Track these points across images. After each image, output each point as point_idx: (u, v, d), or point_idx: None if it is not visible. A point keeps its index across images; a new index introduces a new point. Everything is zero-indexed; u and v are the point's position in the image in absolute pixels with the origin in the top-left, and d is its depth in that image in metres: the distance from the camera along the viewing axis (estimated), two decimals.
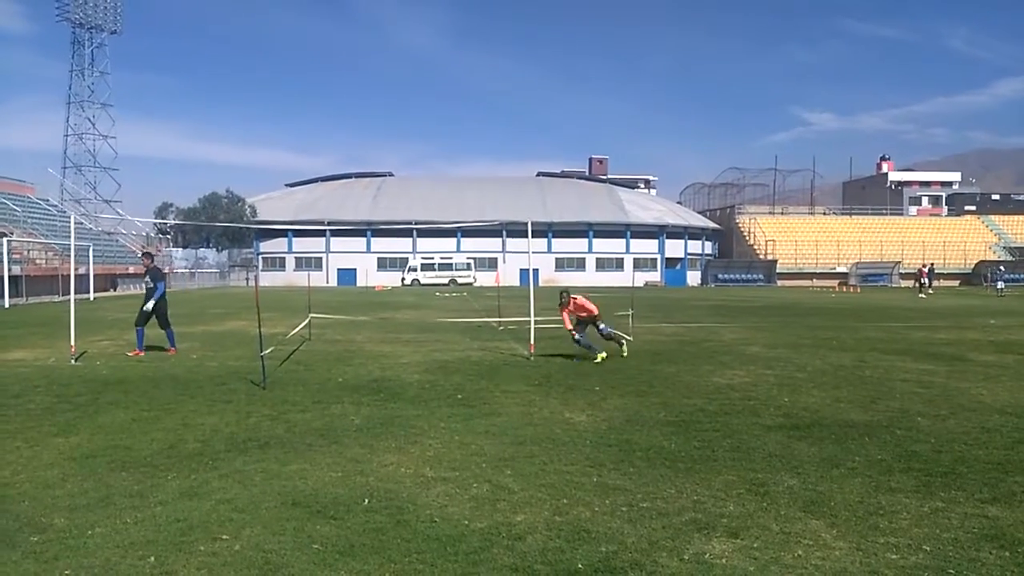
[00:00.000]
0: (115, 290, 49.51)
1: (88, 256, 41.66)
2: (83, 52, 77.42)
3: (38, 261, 42.10)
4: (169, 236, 70.46)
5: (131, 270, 53.70)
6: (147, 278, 14.27)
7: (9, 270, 33.52)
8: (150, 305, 13.73)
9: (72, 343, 13.13)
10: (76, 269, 15.45)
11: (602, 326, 13.60)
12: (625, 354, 13.22)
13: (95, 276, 41.59)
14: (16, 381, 10.62)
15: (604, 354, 12.82)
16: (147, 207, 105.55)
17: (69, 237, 16.07)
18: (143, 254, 15.33)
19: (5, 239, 35.10)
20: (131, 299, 39.80)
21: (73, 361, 12.59)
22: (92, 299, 37.62)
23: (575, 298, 13.38)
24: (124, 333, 17.95)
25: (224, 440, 7.11)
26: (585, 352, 12.97)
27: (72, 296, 14.28)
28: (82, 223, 54.09)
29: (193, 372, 11.58)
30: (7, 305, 31.26)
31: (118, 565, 4.18)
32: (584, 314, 13.33)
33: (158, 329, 14.10)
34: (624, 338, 13.99)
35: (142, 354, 13.49)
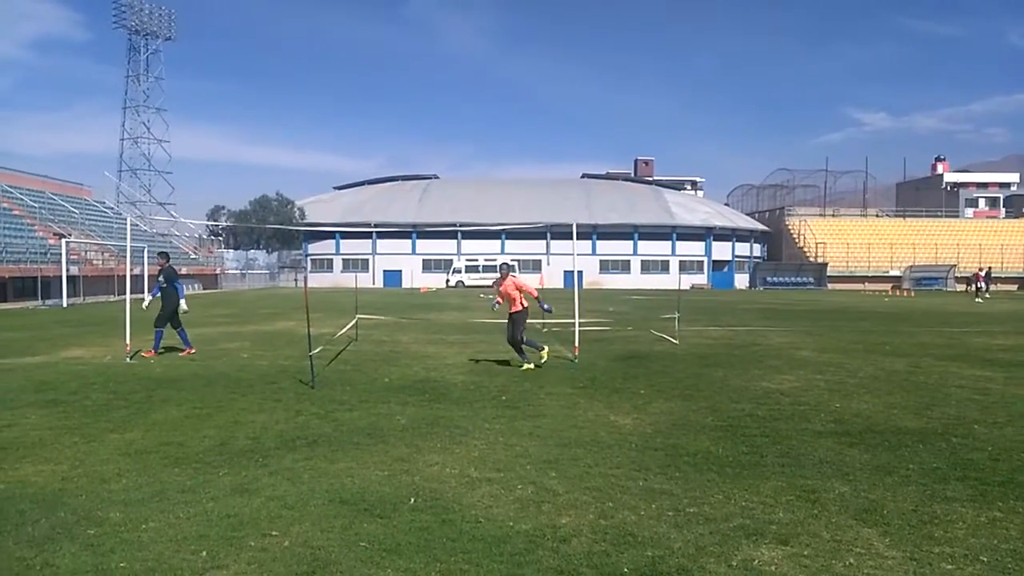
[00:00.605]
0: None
1: (143, 257, 42.74)
2: (138, 58, 79.44)
3: (95, 262, 43.32)
4: (221, 238, 71.89)
5: (184, 271, 54.93)
6: (160, 278, 14.30)
7: (67, 270, 34.55)
8: (184, 304, 13.98)
9: (127, 342, 13.47)
10: (131, 270, 15.85)
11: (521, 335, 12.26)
12: (523, 368, 11.94)
13: (149, 277, 42.61)
14: (74, 378, 10.93)
15: (529, 365, 11.97)
16: (200, 209, 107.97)
17: (125, 238, 16.49)
18: (159, 254, 15.49)
19: (64, 240, 36.20)
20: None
21: (128, 359, 12.92)
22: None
23: (515, 278, 12.48)
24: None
25: (274, 438, 7.22)
26: (531, 351, 12.21)
27: (128, 296, 14.63)
28: (137, 225, 55.56)
29: (244, 371, 11.79)
30: (65, 304, 32.20)
31: (171, 559, 4.27)
32: (513, 303, 12.23)
33: (201, 329, 14.38)
34: (529, 359, 12.22)
35: (193, 351, 13.83)
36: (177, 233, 63.63)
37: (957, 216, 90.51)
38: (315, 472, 6.03)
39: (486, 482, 5.79)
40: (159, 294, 14.16)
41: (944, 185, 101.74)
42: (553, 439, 7.22)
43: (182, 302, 14.07)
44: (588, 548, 4.46)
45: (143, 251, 43.00)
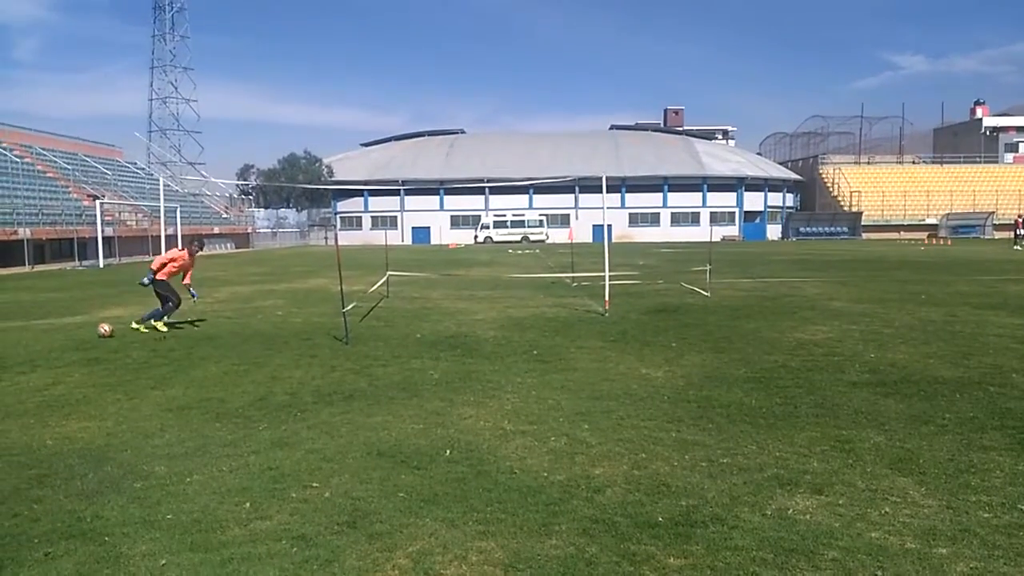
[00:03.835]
0: (202, 250, 51.28)
1: (176, 217, 43.26)
2: (164, 17, 79.13)
3: (129, 223, 43.93)
4: (251, 197, 72.39)
5: (216, 230, 55.54)
6: None
7: (103, 231, 35.09)
8: None
9: None
10: (165, 230, 16.02)
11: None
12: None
13: (182, 236, 43.18)
14: (114, 337, 11.15)
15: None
16: (229, 169, 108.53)
17: (158, 199, 16.67)
18: None
19: (98, 202, 36.69)
20: (219, 259, 41.26)
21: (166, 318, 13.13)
22: None
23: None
24: (213, 291, 18.64)
25: (311, 393, 7.35)
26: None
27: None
28: (169, 185, 56.04)
29: (279, 328, 11.96)
30: (102, 265, 32.78)
31: (216, 510, 4.39)
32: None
33: (236, 288, 14.51)
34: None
35: None
36: (208, 193, 64.20)
37: (996, 162, 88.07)
38: (352, 426, 6.14)
39: (520, 434, 5.85)
40: None
41: (983, 130, 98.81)
42: (585, 392, 7.27)
43: None
44: (622, 498, 4.51)
45: (175, 211, 43.53)
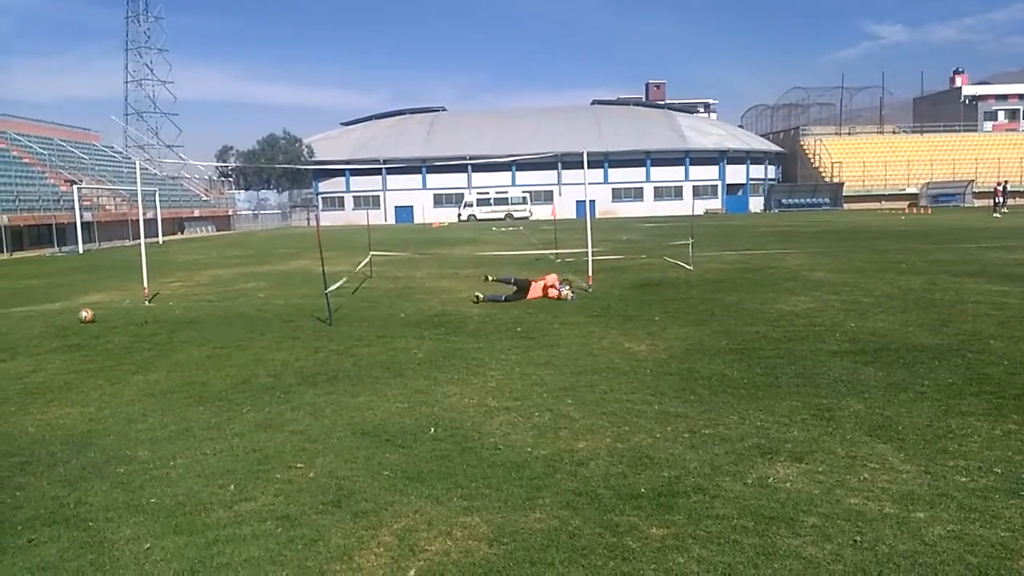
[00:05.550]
0: (182, 233, 50.93)
1: (155, 201, 42.83)
2: None
3: (108, 207, 43.45)
4: (231, 179, 71.69)
5: (197, 213, 55.08)
6: None
7: (81, 216, 34.71)
8: None
9: (145, 285, 13.60)
10: (144, 214, 15.87)
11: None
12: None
13: (163, 220, 42.81)
14: (94, 323, 11.07)
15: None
16: (208, 151, 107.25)
17: (136, 183, 16.48)
18: None
19: (75, 187, 36.25)
20: (199, 242, 40.95)
21: (147, 302, 13.07)
22: (161, 242, 38.82)
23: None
24: (194, 275, 18.50)
25: (295, 374, 7.34)
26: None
27: (142, 240, 14.71)
28: (147, 168, 55.45)
29: (262, 310, 11.91)
30: (81, 250, 32.46)
31: (200, 493, 4.39)
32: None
33: (217, 271, 14.43)
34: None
35: None
36: (187, 175, 63.56)
37: (976, 130, 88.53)
38: (337, 406, 6.14)
39: (504, 411, 5.88)
40: None
41: (962, 98, 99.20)
42: (569, 367, 7.29)
43: None
44: (605, 470, 4.55)
45: (154, 195, 43.11)
